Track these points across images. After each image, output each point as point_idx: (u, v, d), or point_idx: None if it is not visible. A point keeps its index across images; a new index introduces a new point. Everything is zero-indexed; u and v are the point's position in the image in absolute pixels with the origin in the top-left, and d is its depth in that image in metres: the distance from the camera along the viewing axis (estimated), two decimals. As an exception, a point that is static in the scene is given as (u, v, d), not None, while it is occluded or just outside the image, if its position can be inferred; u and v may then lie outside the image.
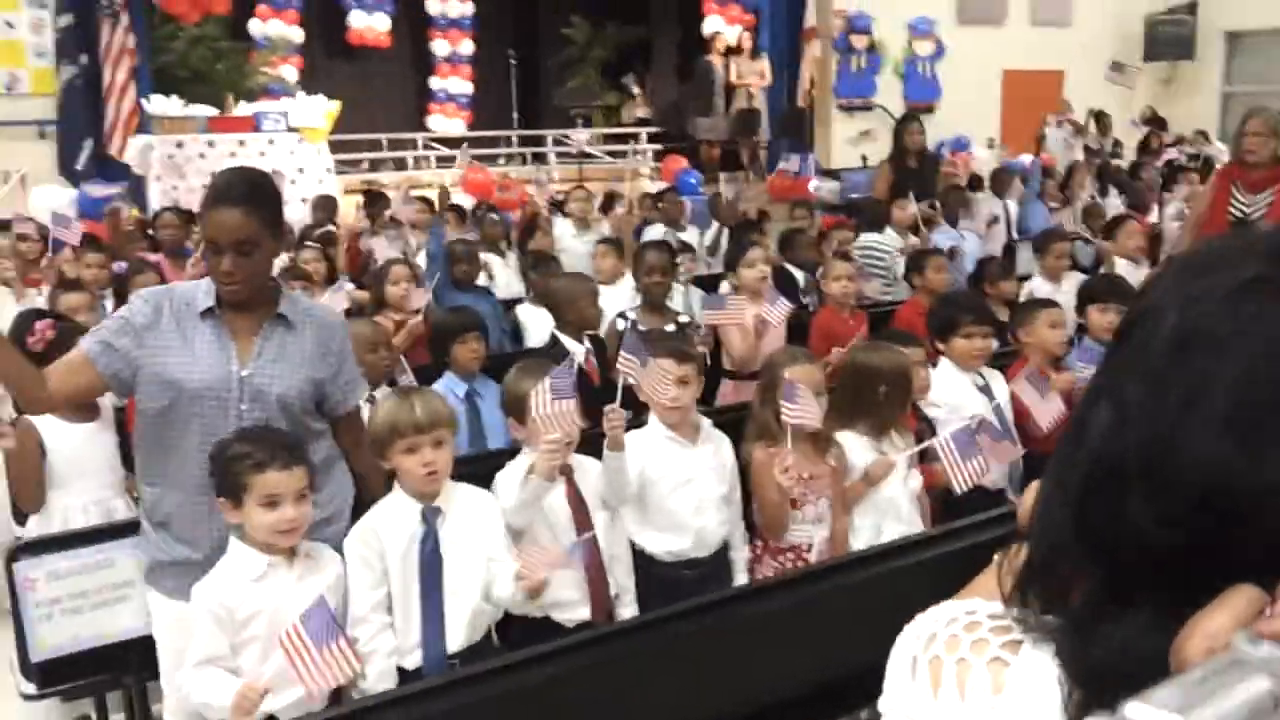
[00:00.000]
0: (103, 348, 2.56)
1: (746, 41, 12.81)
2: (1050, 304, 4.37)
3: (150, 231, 6.80)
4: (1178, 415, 0.70)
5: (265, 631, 2.44)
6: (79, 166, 9.05)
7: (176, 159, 9.06)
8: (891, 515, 3.34)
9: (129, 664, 2.97)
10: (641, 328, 4.13)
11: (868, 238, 6.90)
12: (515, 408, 3.03)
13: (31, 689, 2.96)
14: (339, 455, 2.82)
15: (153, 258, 5.92)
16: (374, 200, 8.37)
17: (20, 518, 3.60)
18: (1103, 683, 0.72)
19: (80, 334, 2.91)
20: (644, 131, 14.07)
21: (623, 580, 3.08)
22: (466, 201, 9.11)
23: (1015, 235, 8.32)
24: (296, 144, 9.63)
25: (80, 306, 4.61)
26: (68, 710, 3.41)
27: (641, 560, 3.16)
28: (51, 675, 2.91)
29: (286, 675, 2.29)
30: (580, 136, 11.80)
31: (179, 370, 2.55)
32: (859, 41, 13.46)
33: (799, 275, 6.25)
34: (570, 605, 2.95)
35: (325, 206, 8.10)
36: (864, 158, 12.47)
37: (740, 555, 3.31)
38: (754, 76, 12.73)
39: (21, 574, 2.85)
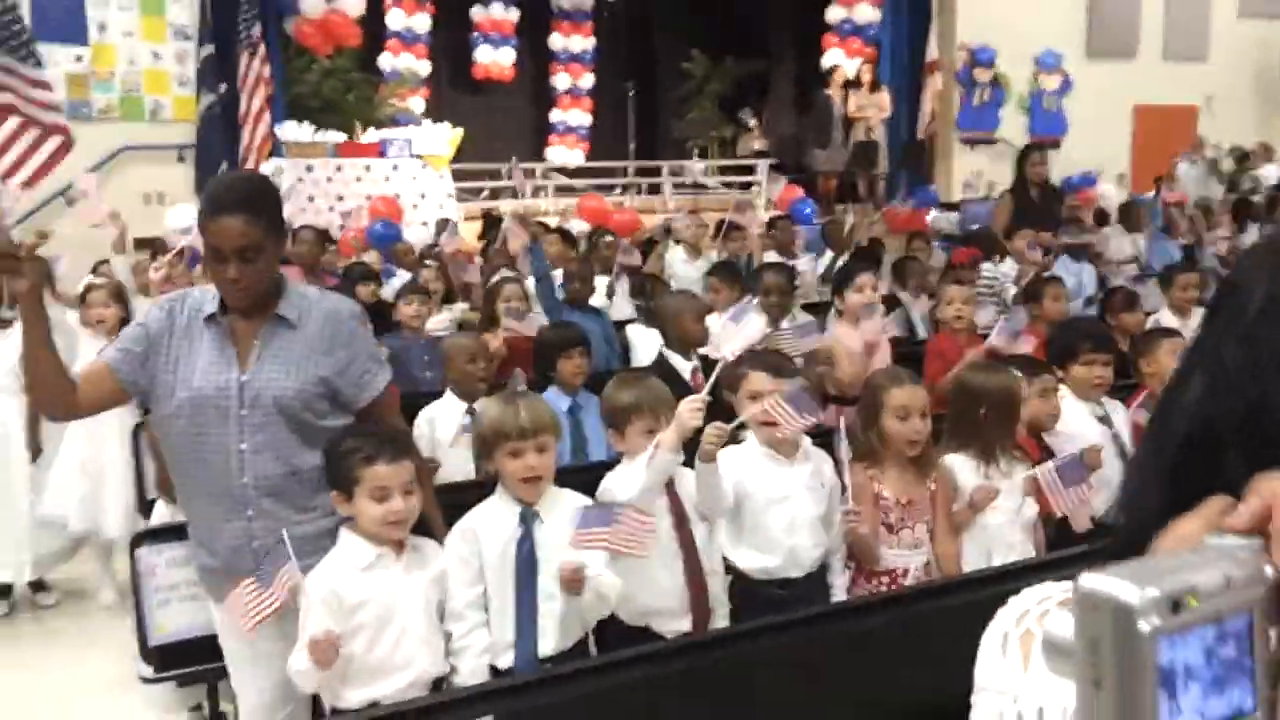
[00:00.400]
0: (122, 355, 2.58)
1: (866, 74, 12.74)
2: (1173, 333, 4.22)
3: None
4: (1273, 374, 0.71)
5: (372, 619, 2.51)
6: (215, 189, 9.46)
7: (305, 182, 9.44)
8: (1001, 543, 3.24)
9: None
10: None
11: (985, 267, 6.78)
12: (614, 419, 3.05)
13: (149, 672, 3.09)
14: None
15: (290, 271, 6.15)
16: (493, 225, 8.60)
17: (146, 510, 3.77)
18: None
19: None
20: (760, 163, 14.08)
21: (717, 594, 3.06)
22: (580, 227, 9.23)
23: (1142, 270, 8.05)
24: (420, 169, 9.93)
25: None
26: (183, 697, 3.54)
27: (734, 576, 3.14)
28: (168, 659, 3.02)
29: (390, 660, 2.35)
30: (696, 167, 11.86)
31: (184, 378, 2.54)
32: (982, 75, 13.26)
33: (910, 302, 6.16)
34: (670, 615, 2.95)
35: (444, 228, 8.32)
36: (984, 187, 12.26)
37: (839, 580, 3.25)
38: (873, 109, 12.64)
39: (143, 560, 2.98)
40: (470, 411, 3.94)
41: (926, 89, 12.84)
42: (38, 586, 4.90)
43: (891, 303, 6.06)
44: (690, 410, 2.81)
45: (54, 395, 2.55)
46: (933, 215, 10.20)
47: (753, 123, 14.62)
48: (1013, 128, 13.27)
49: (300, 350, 2.58)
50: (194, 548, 2.72)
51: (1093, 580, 0.52)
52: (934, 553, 3.23)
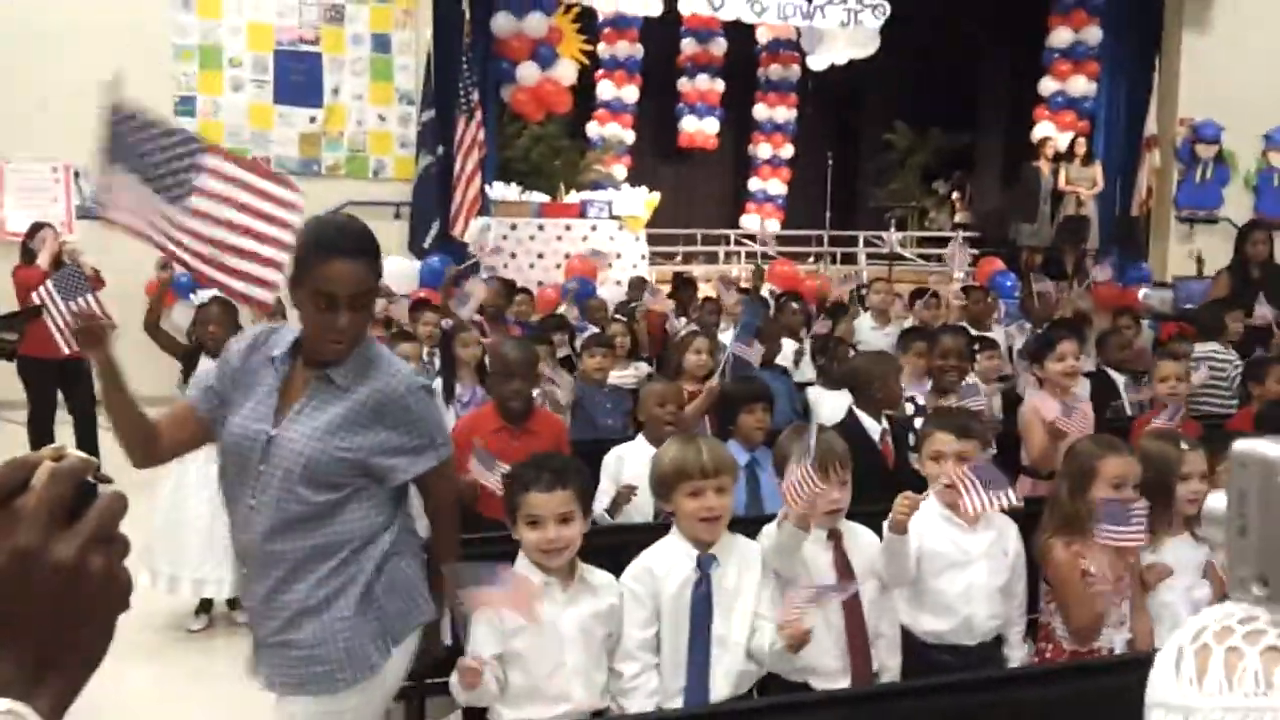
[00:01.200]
0: (202, 393, 2.51)
1: (1080, 147, 12.31)
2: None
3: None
4: None
5: (528, 647, 2.54)
6: (425, 244, 10.00)
7: (509, 239, 9.87)
8: (1168, 622, 3.02)
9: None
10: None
11: (1204, 347, 6.37)
12: (783, 466, 3.01)
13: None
14: (366, 545, 2.44)
15: (477, 318, 6.42)
16: (683, 286, 8.75)
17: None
18: None
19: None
20: (960, 235, 13.77)
21: (886, 658, 2.96)
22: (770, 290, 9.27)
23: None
24: (617, 230, 10.21)
25: (411, 355, 5.08)
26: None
27: (906, 639, 3.04)
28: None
29: (545, 689, 2.37)
30: (892, 237, 11.71)
31: (233, 418, 2.44)
32: (1205, 151, 12.58)
33: (1119, 380, 5.86)
34: (830, 675, 2.87)
35: (637, 286, 8.54)
36: (1199, 262, 11.59)
37: (1016, 654, 3.09)
38: (1085, 183, 12.18)
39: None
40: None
41: (1143, 164, 12.29)
42: (234, 604, 5.19)
43: (1099, 379, 5.78)
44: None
45: (133, 442, 2.46)
46: (1144, 292, 9.70)
47: (955, 195, 14.34)
48: (1236, 206, 12.51)
49: (336, 418, 2.37)
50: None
51: (1244, 444, 0.63)
52: (1134, 630, 3.03)
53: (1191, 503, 3.13)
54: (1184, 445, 3.26)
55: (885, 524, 2.91)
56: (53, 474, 0.72)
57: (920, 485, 3.14)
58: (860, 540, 2.98)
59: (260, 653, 2.46)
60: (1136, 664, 2.60)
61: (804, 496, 2.60)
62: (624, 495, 3.78)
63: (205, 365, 4.80)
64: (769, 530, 2.82)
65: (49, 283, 4.66)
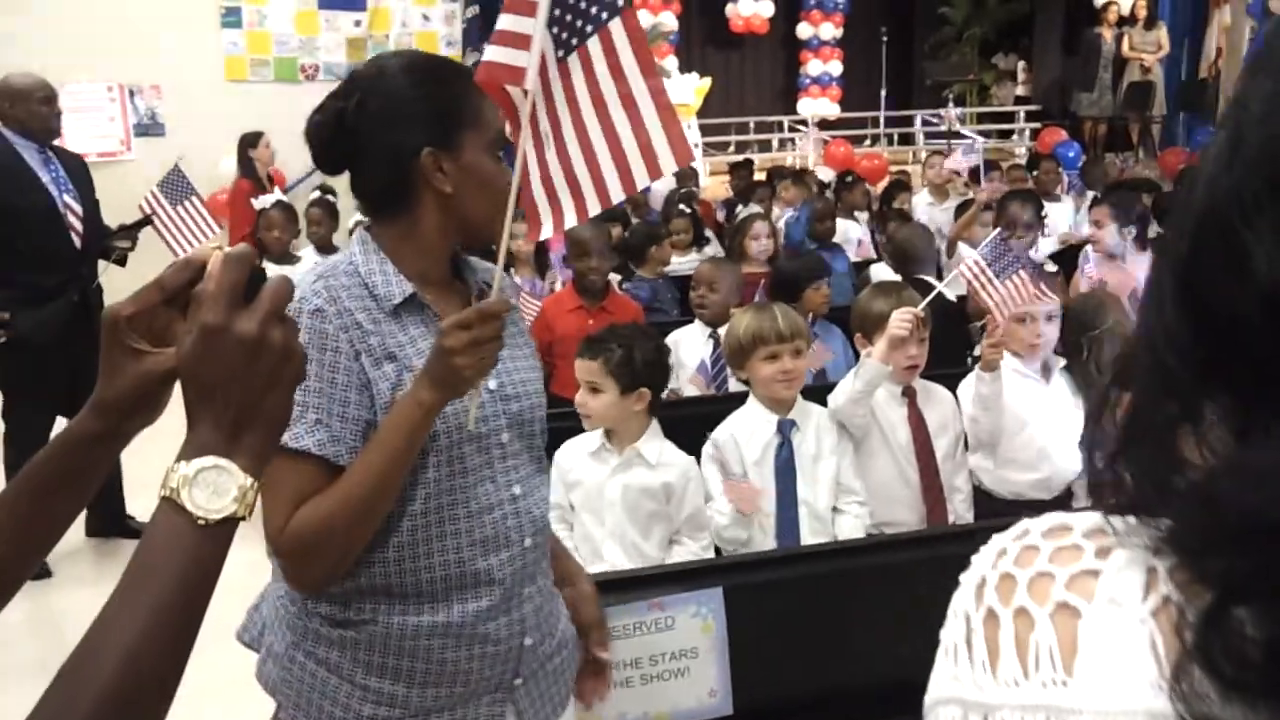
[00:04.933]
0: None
1: (1141, 10, 11.85)
2: None
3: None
4: None
5: (580, 502, 2.64)
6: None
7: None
8: None
9: None
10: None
11: None
12: (862, 324, 3.03)
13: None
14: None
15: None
16: (740, 169, 8.74)
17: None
18: (1248, 546, 0.49)
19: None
20: (1021, 110, 13.42)
21: (962, 511, 3.01)
22: (826, 175, 9.16)
23: None
24: (669, 120, 10.08)
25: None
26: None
27: (980, 496, 3.08)
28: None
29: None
30: (950, 114, 11.43)
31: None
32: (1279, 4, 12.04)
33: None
34: (905, 529, 2.92)
35: (688, 174, 8.47)
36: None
37: (1083, 505, 3.12)
38: (1149, 48, 11.75)
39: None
40: (713, 335, 4.03)
41: (1212, 23, 11.80)
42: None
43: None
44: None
45: None
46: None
47: (1017, 66, 13.93)
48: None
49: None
50: None
51: None
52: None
53: None
54: None
55: (977, 368, 2.97)
56: (227, 259, 0.79)
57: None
58: (934, 396, 3.02)
59: (528, 685, 1.68)
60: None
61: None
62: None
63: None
64: (839, 389, 2.86)
65: (155, 189, 4.78)
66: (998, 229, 3.86)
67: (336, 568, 1.49)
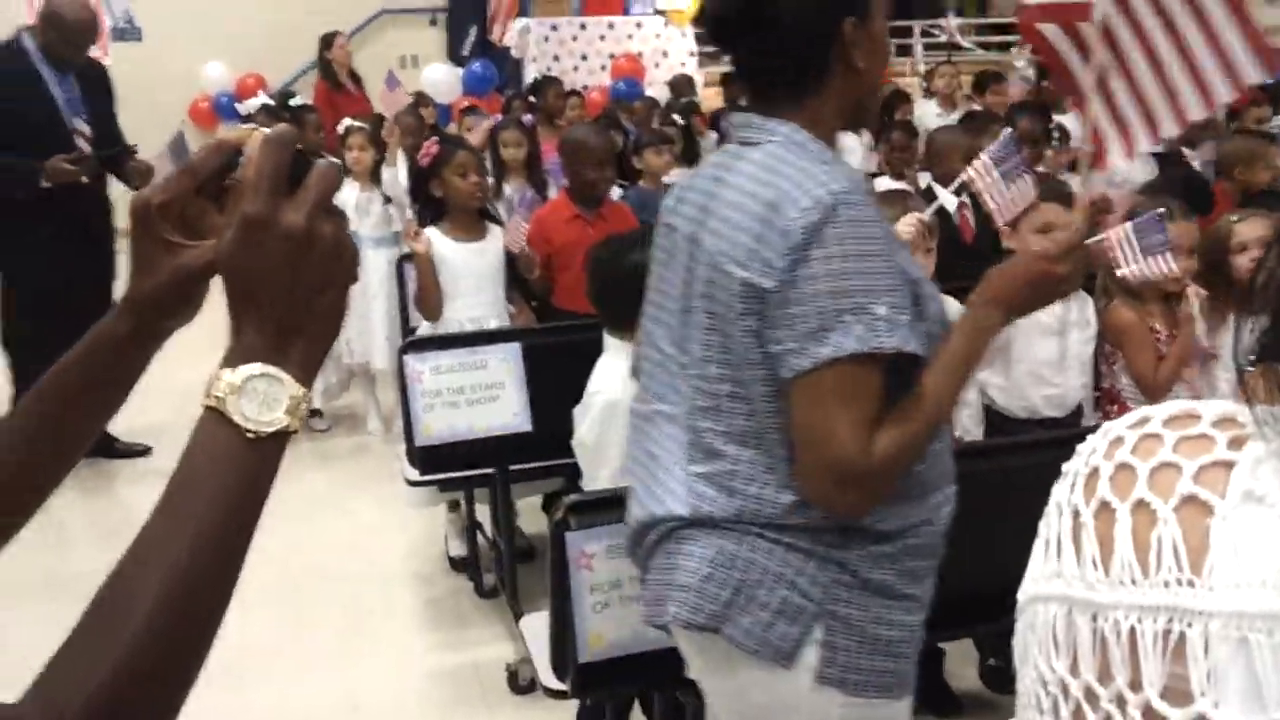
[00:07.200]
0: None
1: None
2: None
3: (532, 99, 7.21)
4: None
5: None
6: (465, 52, 9.70)
7: (550, 41, 9.54)
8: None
9: (501, 457, 3.22)
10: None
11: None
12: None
13: (414, 474, 3.28)
14: None
15: (527, 119, 6.26)
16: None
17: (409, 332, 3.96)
18: None
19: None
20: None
21: (970, 425, 2.96)
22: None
23: None
24: (662, 27, 9.83)
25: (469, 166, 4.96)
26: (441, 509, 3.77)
27: (991, 416, 3.01)
28: (431, 462, 3.19)
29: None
30: (951, 24, 11.17)
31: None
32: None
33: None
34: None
35: (684, 84, 8.29)
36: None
37: (1091, 423, 3.06)
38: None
39: (410, 367, 3.13)
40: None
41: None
42: (314, 414, 5.29)
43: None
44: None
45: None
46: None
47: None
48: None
49: None
50: None
51: None
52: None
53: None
54: (1234, 218, 3.14)
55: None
56: (267, 141, 0.70)
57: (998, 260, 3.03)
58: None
59: None
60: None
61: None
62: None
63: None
64: None
65: (158, 158, 4.73)
66: (1008, 129, 3.73)
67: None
